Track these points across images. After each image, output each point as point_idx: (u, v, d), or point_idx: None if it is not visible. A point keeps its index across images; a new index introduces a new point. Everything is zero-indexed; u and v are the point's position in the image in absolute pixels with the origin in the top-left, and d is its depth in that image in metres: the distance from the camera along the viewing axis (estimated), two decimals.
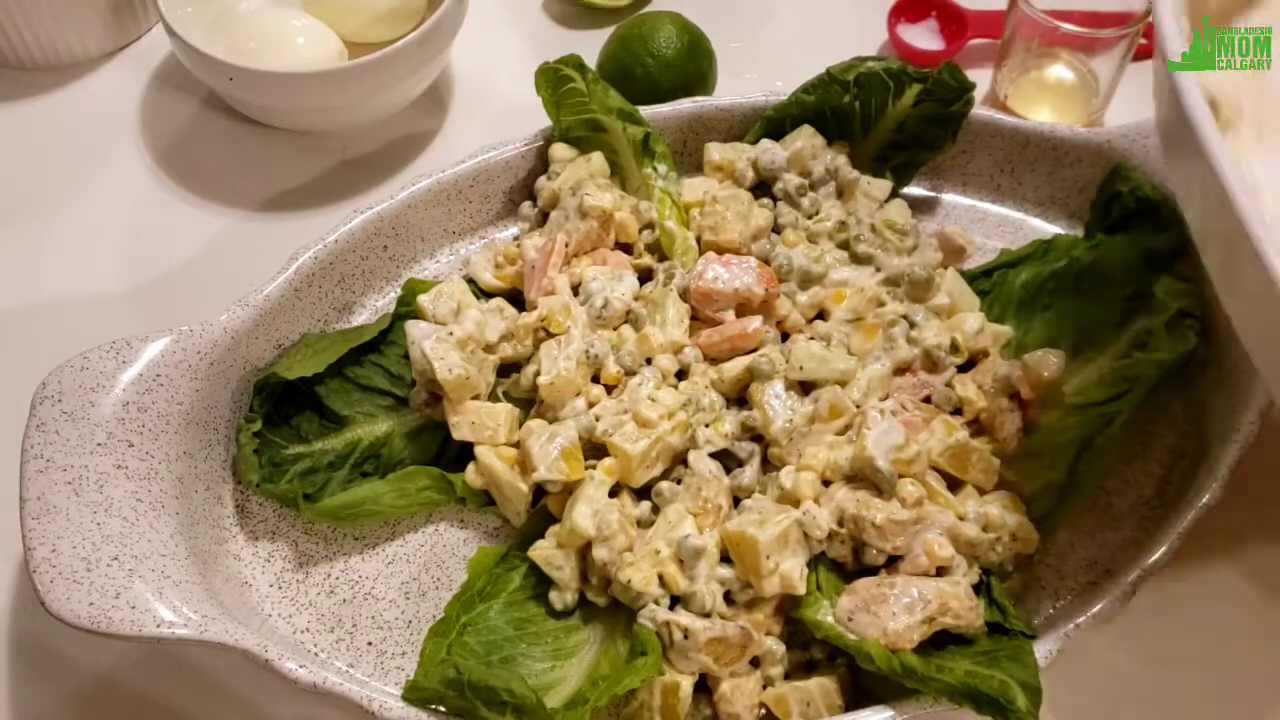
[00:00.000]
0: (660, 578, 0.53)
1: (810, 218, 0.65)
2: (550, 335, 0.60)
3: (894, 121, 0.67)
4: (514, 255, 0.64)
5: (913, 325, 0.61)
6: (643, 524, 0.55)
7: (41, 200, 0.74)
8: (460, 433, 0.57)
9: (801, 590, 0.52)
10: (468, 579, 0.55)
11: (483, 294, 0.64)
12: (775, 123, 0.68)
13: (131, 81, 0.79)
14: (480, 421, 0.58)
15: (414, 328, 0.59)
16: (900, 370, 0.59)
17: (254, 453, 0.57)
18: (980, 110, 0.68)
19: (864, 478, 0.55)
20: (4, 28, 0.76)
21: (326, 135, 0.76)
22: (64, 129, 0.77)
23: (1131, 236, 0.63)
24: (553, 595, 0.55)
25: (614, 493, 0.56)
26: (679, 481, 0.56)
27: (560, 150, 0.67)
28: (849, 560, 0.55)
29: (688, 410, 0.57)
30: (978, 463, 0.56)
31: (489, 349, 0.60)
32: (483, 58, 0.82)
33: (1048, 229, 0.69)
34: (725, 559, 0.54)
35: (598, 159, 0.66)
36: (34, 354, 0.57)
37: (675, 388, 0.59)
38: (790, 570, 0.52)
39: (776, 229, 0.65)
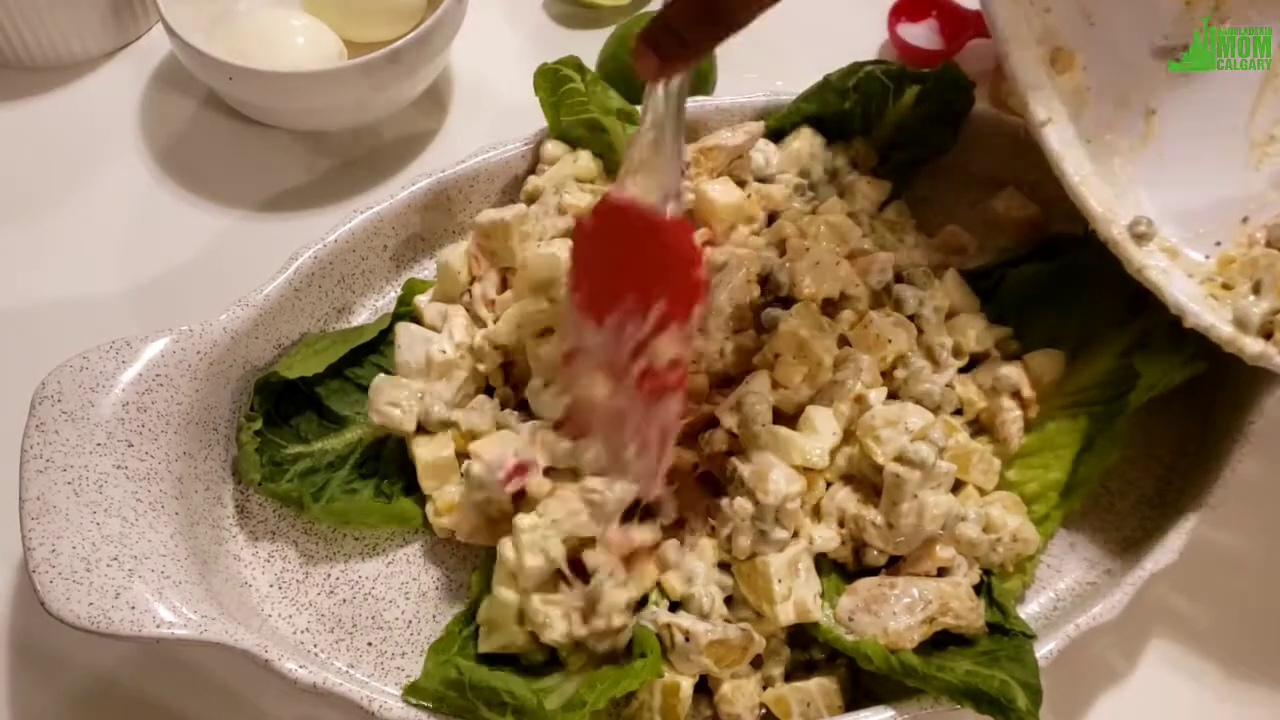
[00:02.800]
0: (660, 584, 0.53)
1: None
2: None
3: (894, 122, 0.67)
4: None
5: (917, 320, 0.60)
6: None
7: (41, 200, 0.74)
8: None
9: (819, 617, 0.52)
10: (470, 596, 0.55)
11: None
12: (775, 131, 0.67)
13: (131, 81, 0.79)
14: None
15: (404, 332, 0.59)
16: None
17: (255, 451, 0.57)
18: (981, 109, 0.68)
19: (864, 478, 0.55)
20: (4, 28, 0.76)
21: (326, 135, 0.76)
22: (64, 129, 0.77)
23: None
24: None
25: None
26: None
27: (550, 149, 0.66)
28: (850, 561, 0.55)
29: None
30: (979, 463, 0.56)
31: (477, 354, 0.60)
32: (483, 58, 0.81)
33: (1049, 228, 0.69)
34: (724, 566, 0.54)
35: (585, 158, 0.66)
36: (34, 354, 0.57)
37: None
38: (805, 596, 0.52)
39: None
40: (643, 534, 0.53)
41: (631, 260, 0.51)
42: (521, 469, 0.54)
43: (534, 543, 0.52)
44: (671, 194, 0.50)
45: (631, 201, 0.50)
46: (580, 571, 0.53)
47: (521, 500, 0.54)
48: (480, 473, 0.53)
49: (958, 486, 0.56)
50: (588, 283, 0.53)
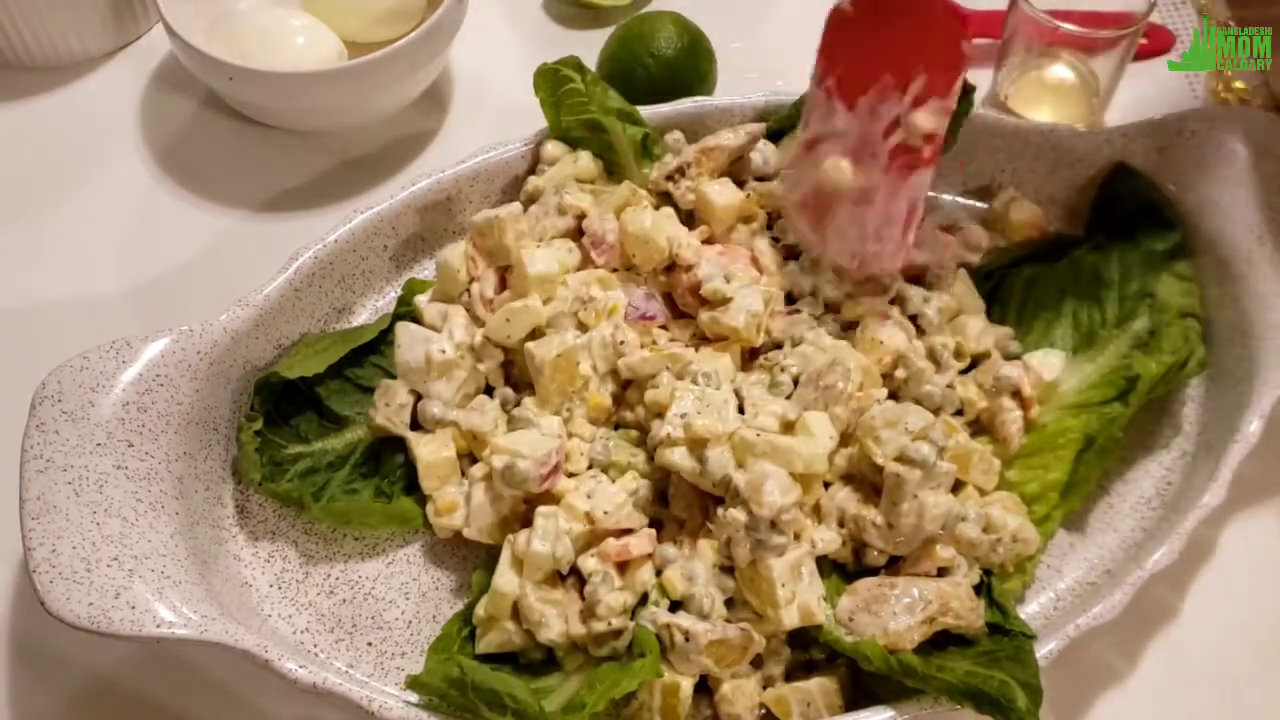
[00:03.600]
0: (660, 584, 0.53)
1: None
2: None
3: None
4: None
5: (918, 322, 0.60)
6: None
7: (41, 200, 0.74)
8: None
9: (823, 619, 0.52)
10: (471, 596, 0.55)
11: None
12: (774, 133, 0.67)
13: (131, 81, 0.79)
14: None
15: (404, 331, 0.59)
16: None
17: (255, 451, 0.56)
18: (980, 110, 0.68)
19: (864, 478, 0.55)
20: (4, 27, 0.76)
21: (326, 135, 0.76)
22: (64, 129, 0.77)
23: (1132, 237, 0.63)
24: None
25: None
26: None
27: (550, 149, 0.66)
28: (850, 561, 0.55)
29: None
30: (979, 463, 0.56)
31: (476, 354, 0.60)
32: (483, 58, 0.81)
33: (1049, 229, 0.69)
34: (726, 568, 0.53)
35: (585, 158, 0.66)
36: (34, 354, 0.57)
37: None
38: (809, 600, 0.51)
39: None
40: (639, 542, 0.53)
41: (895, 40, 0.55)
42: (557, 467, 0.54)
43: (548, 531, 0.52)
44: None
45: None
46: (579, 580, 0.53)
47: (544, 498, 0.55)
48: (526, 469, 0.53)
49: (958, 486, 0.56)
50: (842, 68, 0.58)
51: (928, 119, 0.55)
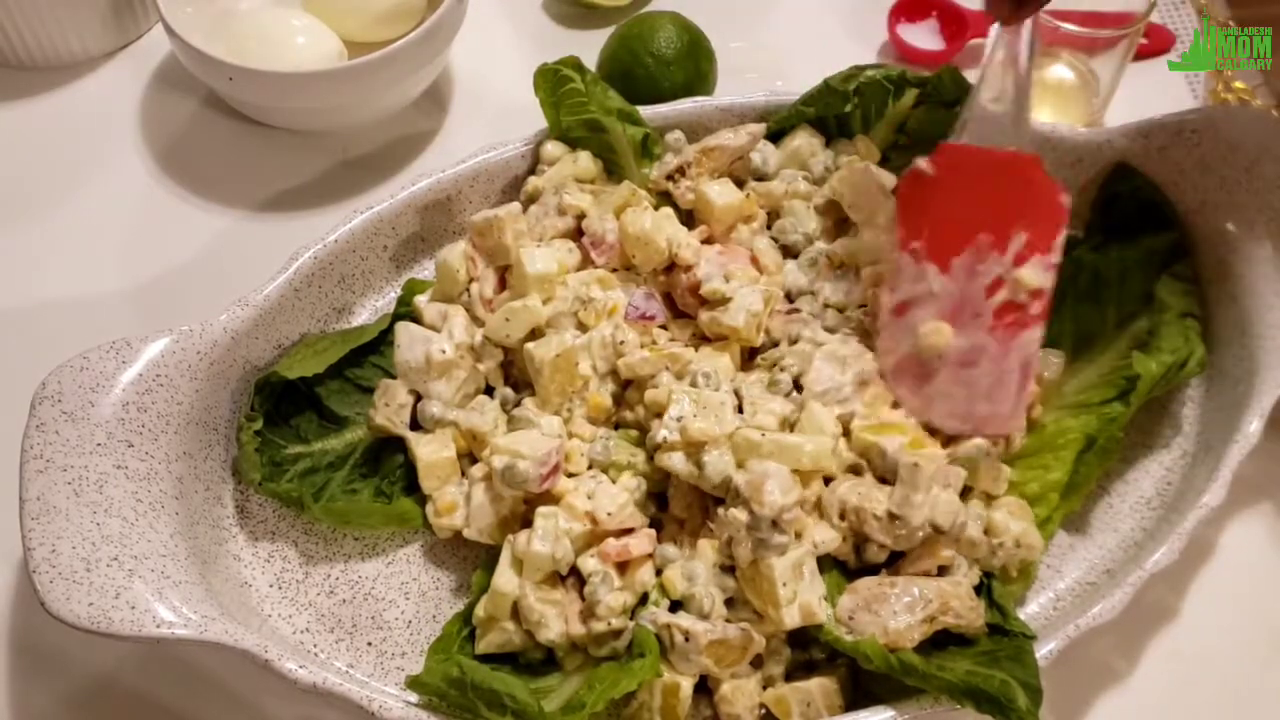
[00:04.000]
0: (661, 584, 0.53)
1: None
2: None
3: (894, 122, 0.67)
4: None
5: None
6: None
7: (41, 200, 0.74)
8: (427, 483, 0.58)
9: (823, 619, 0.52)
10: (471, 596, 0.55)
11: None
12: (775, 134, 0.67)
13: (131, 81, 0.79)
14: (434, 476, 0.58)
15: (404, 331, 0.59)
16: None
17: (255, 451, 0.56)
18: None
19: (866, 470, 0.55)
20: (4, 28, 0.76)
21: (326, 135, 0.76)
22: (64, 129, 0.77)
23: (1132, 237, 0.63)
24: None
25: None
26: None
27: (550, 149, 0.66)
28: (850, 558, 0.55)
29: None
30: (987, 471, 0.56)
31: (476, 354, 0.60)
32: (483, 58, 0.82)
33: None
34: (726, 567, 0.53)
35: (584, 158, 0.66)
36: (34, 354, 0.57)
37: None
38: (809, 599, 0.51)
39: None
40: (639, 542, 0.53)
41: (986, 199, 0.54)
42: (557, 467, 0.54)
43: (548, 531, 0.52)
44: (1024, 133, 0.54)
45: (975, 146, 0.54)
46: (579, 580, 0.53)
47: (544, 498, 0.55)
48: (526, 469, 0.53)
49: (965, 493, 0.55)
50: (929, 229, 0.56)
51: (1034, 276, 0.54)
